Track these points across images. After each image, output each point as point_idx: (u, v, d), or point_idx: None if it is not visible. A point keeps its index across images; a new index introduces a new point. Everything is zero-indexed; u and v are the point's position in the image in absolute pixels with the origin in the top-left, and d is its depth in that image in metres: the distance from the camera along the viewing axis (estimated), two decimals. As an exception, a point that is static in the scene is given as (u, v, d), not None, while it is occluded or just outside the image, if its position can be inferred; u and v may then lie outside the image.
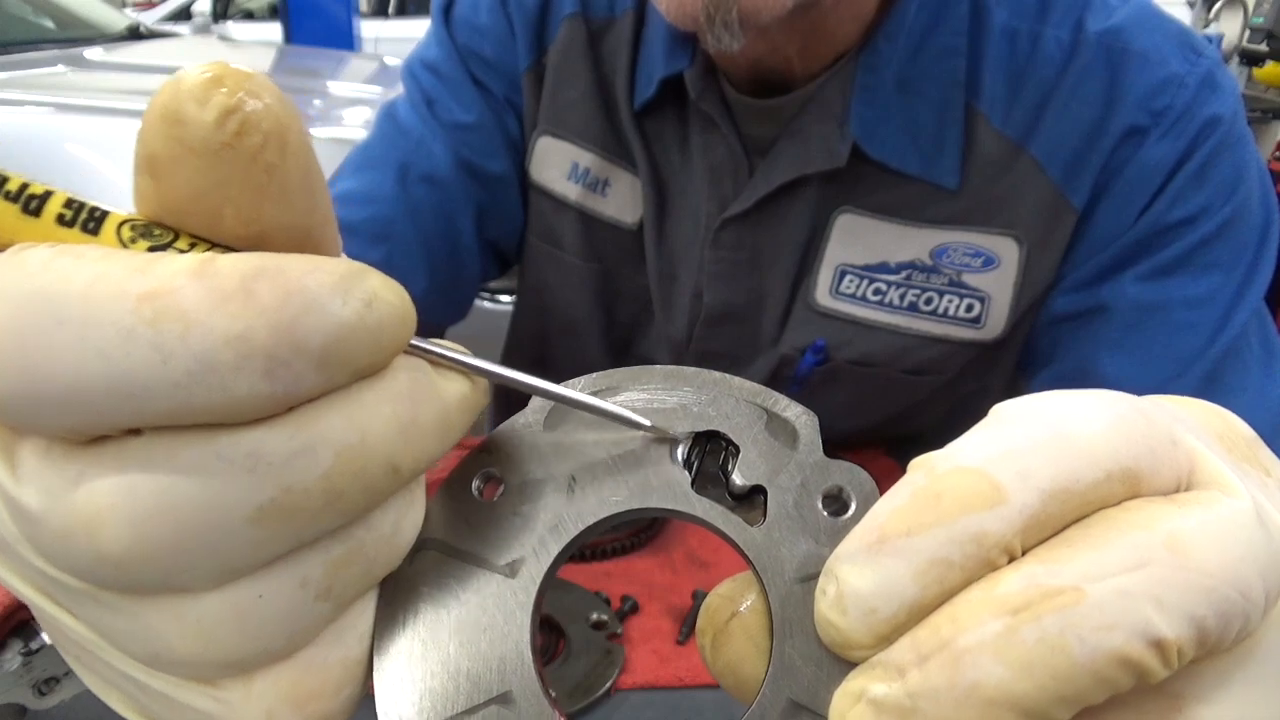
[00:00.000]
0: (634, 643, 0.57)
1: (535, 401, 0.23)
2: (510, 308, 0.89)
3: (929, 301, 0.68)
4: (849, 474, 0.22)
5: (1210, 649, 0.17)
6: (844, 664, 0.19)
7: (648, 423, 0.23)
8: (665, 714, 0.53)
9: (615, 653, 0.55)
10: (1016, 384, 0.75)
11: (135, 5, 6.29)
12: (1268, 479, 0.21)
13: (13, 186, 0.18)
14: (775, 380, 0.73)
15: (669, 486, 0.22)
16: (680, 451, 0.23)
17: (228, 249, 0.18)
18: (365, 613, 0.22)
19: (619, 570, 0.64)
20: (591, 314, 0.79)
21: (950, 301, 0.67)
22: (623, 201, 0.75)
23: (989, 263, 0.66)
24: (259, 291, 0.16)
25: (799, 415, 0.23)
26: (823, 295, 0.70)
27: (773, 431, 0.23)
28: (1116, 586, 0.17)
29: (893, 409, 0.73)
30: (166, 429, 0.17)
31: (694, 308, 0.74)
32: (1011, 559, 0.18)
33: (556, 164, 0.76)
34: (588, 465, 0.23)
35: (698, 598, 0.61)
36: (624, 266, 0.77)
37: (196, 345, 0.16)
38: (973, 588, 0.18)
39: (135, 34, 3.03)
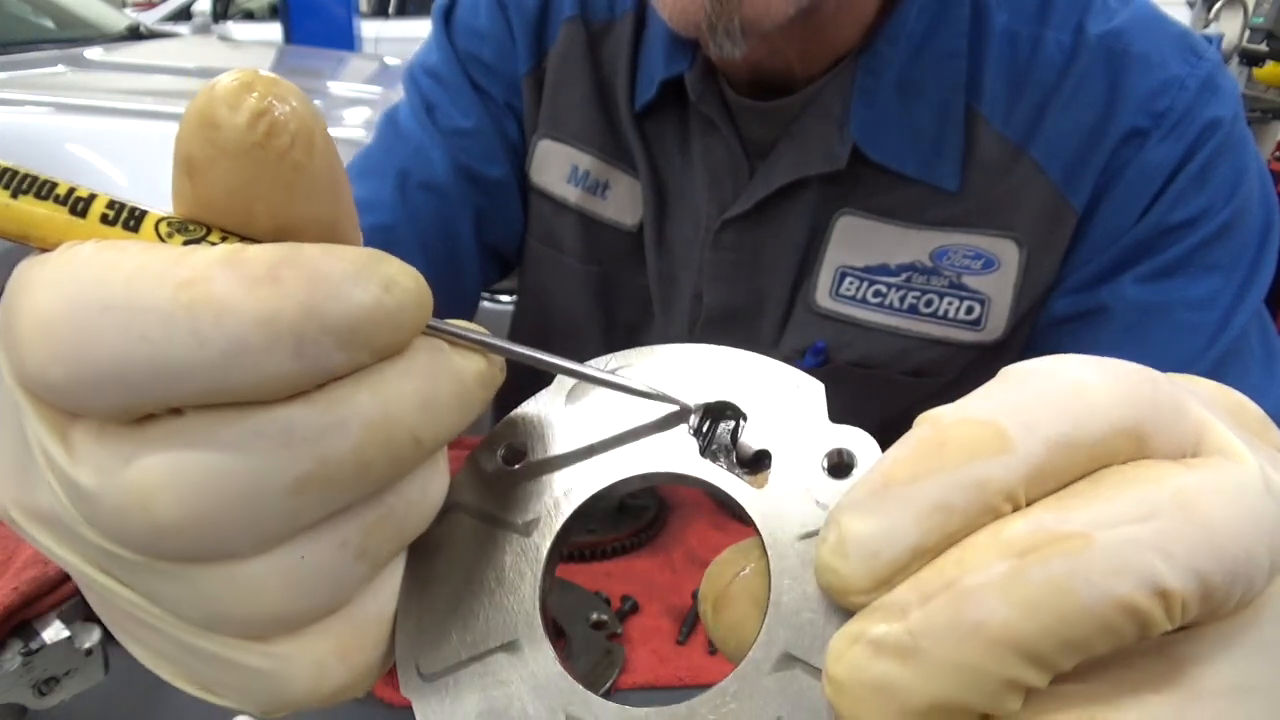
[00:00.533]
0: (634, 643, 0.57)
1: (557, 380, 0.25)
2: (511, 308, 0.89)
3: (929, 303, 0.68)
4: (854, 437, 0.22)
5: (1213, 610, 0.17)
6: (842, 614, 0.19)
7: (662, 393, 0.24)
8: (665, 714, 0.53)
9: (615, 653, 0.55)
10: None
11: (135, 5, 6.29)
12: (1277, 455, 0.20)
13: (61, 191, 0.20)
14: None
15: (678, 454, 0.24)
16: (691, 421, 0.24)
17: (257, 243, 0.19)
18: (398, 571, 0.23)
19: (619, 570, 0.64)
20: (591, 316, 0.79)
21: (950, 303, 0.67)
22: (622, 203, 0.75)
23: (989, 265, 0.66)
24: (285, 277, 0.18)
25: (805, 383, 0.24)
26: (823, 297, 0.70)
27: (779, 399, 0.23)
28: (1125, 535, 0.17)
29: (893, 411, 0.73)
30: (207, 408, 0.18)
31: (694, 309, 0.74)
32: (1016, 508, 0.18)
33: (556, 167, 0.76)
34: (603, 437, 0.24)
35: (698, 598, 0.61)
36: (624, 268, 0.77)
37: (229, 328, 0.17)
38: (979, 532, 0.18)
39: (135, 34, 3.03)
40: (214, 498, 0.18)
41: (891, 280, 0.68)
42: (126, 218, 0.19)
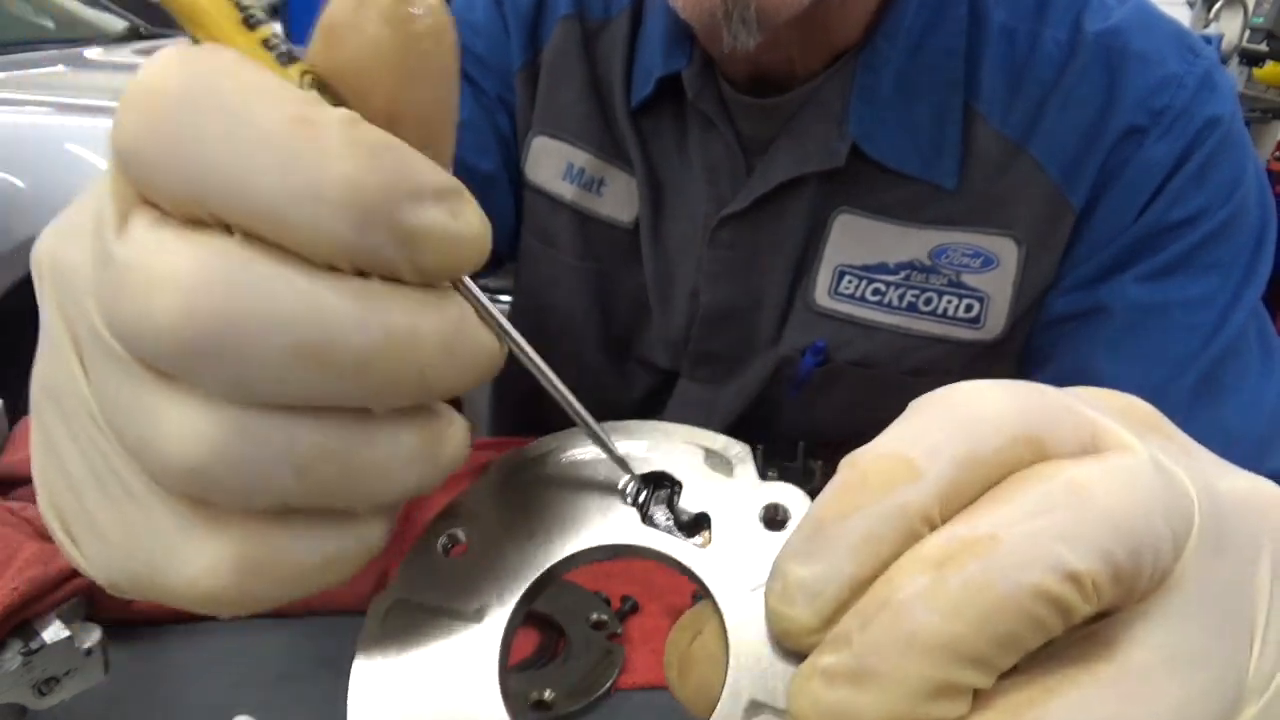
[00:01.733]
0: (634, 643, 0.57)
1: (493, 466, 0.26)
2: (508, 307, 0.89)
3: (928, 302, 0.68)
4: (785, 492, 0.24)
5: (1129, 589, 0.19)
6: (798, 656, 0.20)
7: (624, 459, 0.25)
8: (665, 714, 0.53)
9: (615, 653, 0.55)
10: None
11: (135, 5, 6.28)
12: (1169, 443, 0.22)
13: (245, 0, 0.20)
14: (775, 382, 0.73)
15: (621, 525, 0.24)
16: (630, 492, 0.25)
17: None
18: (322, 536, 0.21)
19: (619, 570, 0.64)
20: (588, 314, 0.79)
21: (949, 301, 0.67)
22: (618, 201, 0.75)
23: (988, 263, 0.66)
24: (384, 160, 0.19)
25: (733, 447, 0.25)
26: (822, 296, 0.70)
27: (711, 465, 0.25)
28: (1028, 529, 0.18)
29: (893, 411, 0.73)
30: (256, 240, 0.19)
31: (691, 307, 0.74)
32: (934, 527, 0.19)
33: (552, 164, 0.76)
34: (544, 515, 0.25)
35: (698, 598, 0.61)
36: (620, 266, 0.77)
37: (314, 174, 0.18)
38: (904, 555, 0.19)
39: (135, 34, 3.03)
40: (214, 318, 0.18)
41: (890, 279, 0.68)
42: (283, 52, 0.20)
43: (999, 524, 0.18)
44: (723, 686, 0.22)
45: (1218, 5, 3.32)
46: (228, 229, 0.19)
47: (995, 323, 0.67)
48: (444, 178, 0.20)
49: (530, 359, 0.23)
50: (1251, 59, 3.22)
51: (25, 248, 1.92)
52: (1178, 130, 0.63)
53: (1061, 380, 0.24)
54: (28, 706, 0.45)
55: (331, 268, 0.19)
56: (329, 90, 0.20)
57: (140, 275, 0.18)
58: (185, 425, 0.19)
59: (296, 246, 0.19)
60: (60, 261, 0.22)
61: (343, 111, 0.19)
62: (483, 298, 0.22)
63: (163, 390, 0.19)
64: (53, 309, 0.23)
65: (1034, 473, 0.19)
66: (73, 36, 2.83)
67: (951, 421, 0.20)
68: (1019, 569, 0.18)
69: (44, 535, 0.49)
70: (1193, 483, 0.20)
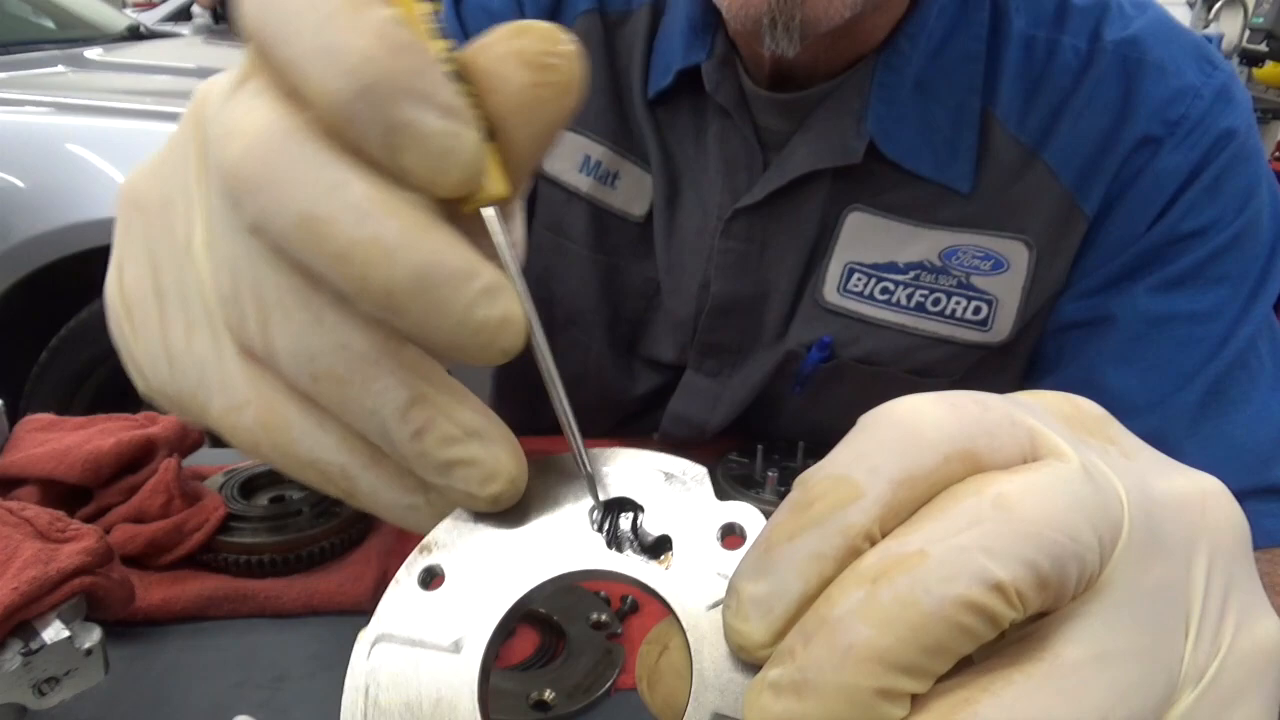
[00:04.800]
0: (634, 643, 0.57)
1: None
2: None
3: (936, 302, 0.68)
4: (741, 511, 0.25)
5: (1056, 594, 0.20)
6: (754, 669, 0.21)
7: (597, 485, 0.26)
8: (665, 714, 0.53)
9: (615, 653, 0.55)
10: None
11: (135, 5, 6.28)
12: (1110, 447, 0.23)
13: None
14: (779, 378, 0.73)
15: (587, 551, 0.25)
16: (595, 518, 0.26)
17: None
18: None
19: (619, 570, 0.64)
20: (597, 306, 0.80)
21: (958, 303, 0.68)
22: (630, 193, 0.75)
23: (998, 266, 0.67)
24: (405, 57, 0.21)
25: (691, 470, 0.26)
26: (830, 292, 0.70)
27: (671, 487, 0.26)
28: (954, 544, 0.19)
29: None
30: (324, 125, 0.22)
31: (701, 298, 0.74)
32: (873, 544, 0.20)
33: (568, 156, 0.77)
34: (514, 547, 0.26)
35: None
36: (630, 258, 0.78)
37: (339, 38, 0.21)
38: (843, 572, 0.20)
39: (135, 34, 3.03)
40: (254, 174, 0.22)
41: (900, 278, 0.68)
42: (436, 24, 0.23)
43: (929, 539, 0.19)
44: (688, 699, 0.23)
45: (1218, 5, 3.32)
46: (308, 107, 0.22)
47: (1003, 326, 0.68)
48: (456, 103, 0.22)
49: (541, 350, 0.24)
50: (1251, 59, 3.22)
51: (25, 248, 1.93)
52: (1193, 141, 0.63)
53: (1067, 389, 0.25)
54: (28, 706, 0.45)
55: (368, 169, 0.22)
56: (460, 65, 0.23)
57: (226, 124, 0.23)
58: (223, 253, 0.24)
59: (310, 100, 0.21)
60: (209, 93, 0.26)
61: (397, 11, 0.21)
62: (513, 267, 0.23)
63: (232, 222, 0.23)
64: (189, 129, 0.26)
65: (964, 488, 0.20)
66: (73, 36, 2.83)
67: (891, 440, 0.21)
68: (945, 582, 0.19)
69: (44, 535, 0.49)
70: (1126, 486, 0.21)
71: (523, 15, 0.76)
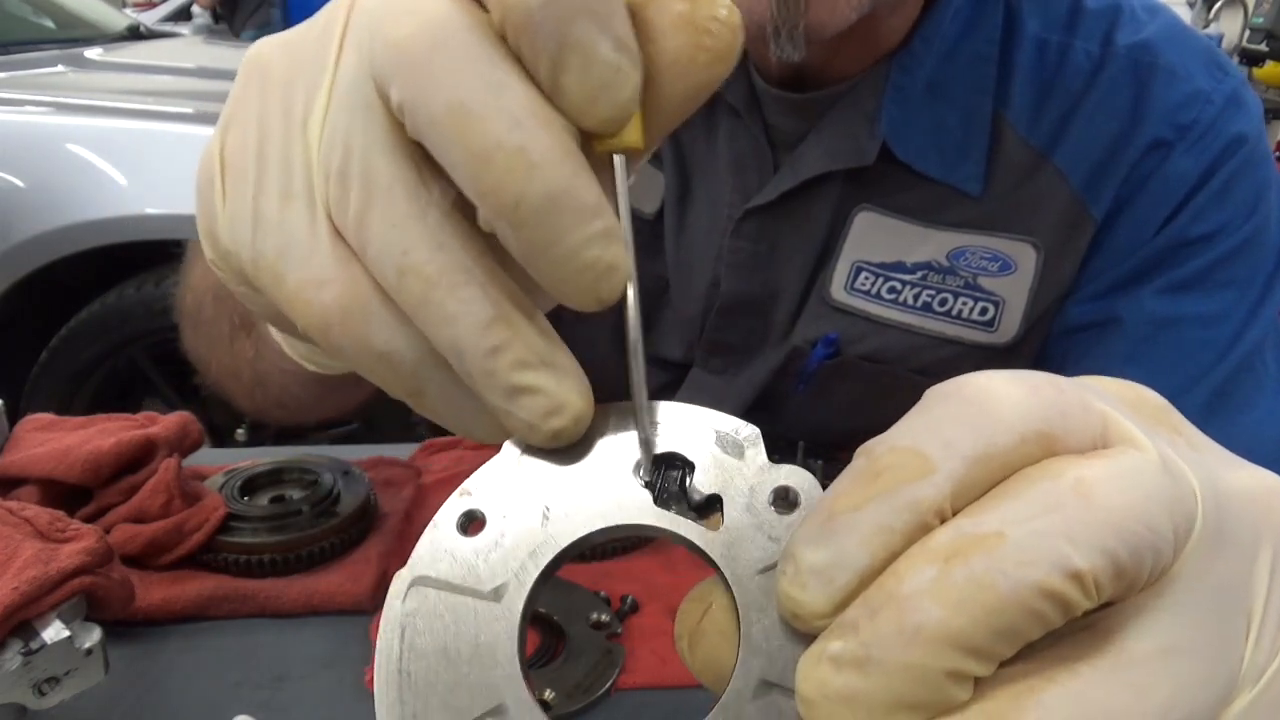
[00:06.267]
0: (634, 643, 0.57)
1: (507, 444, 0.26)
2: None
3: (943, 302, 0.68)
4: (794, 475, 0.24)
5: (1130, 583, 0.19)
6: (807, 638, 0.21)
7: (652, 443, 0.25)
8: (665, 714, 0.53)
9: (615, 653, 0.55)
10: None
11: (135, 5, 6.28)
12: (1177, 437, 0.23)
13: None
14: (783, 374, 0.74)
15: (634, 506, 0.25)
16: (642, 473, 0.25)
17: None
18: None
19: (619, 570, 0.64)
20: None
21: (964, 303, 0.68)
22: (642, 191, 0.77)
23: (1005, 267, 0.67)
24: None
25: (744, 430, 0.25)
26: (838, 290, 0.70)
27: (723, 447, 0.25)
28: (1033, 528, 0.19)
29: (899, 411, 0.74)
30: (502, 25, 0.22)
31: (710, 297, 0.75)
32: (944, 521, 0.20)
33: None
34: (559, 495, 0.25)
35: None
36: (640, 256, 0.77)
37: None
38: (913, 547, 0.20)
39: (135, 34, 3.03)
40: (422, 52, 0.22)
41: (907, 278, 0.69)
42: None
43: (1006, 521, 0.19)
44: (732, 662, 0.23)
45: (1218, 5, 3.32)
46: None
47: (1009, 327, 0.68)
48: (630, 39, 0.22)
49: (632, 307, 0.25)
50: (1251, 59, 3.22)
51: (25, 248, 1.92)
52: (1203, 145, 0.64)
53: None
54: (28, 706, 0.45)
55: (529, 79, 0.22)
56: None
57: (403, 2, 0.23)
58: (374, 138, 0.24)
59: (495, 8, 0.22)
60: None
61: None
62: (626, 219, 0.24)
63: (373, 111, 0.24)
64: (340, 8, 0.26)
65: (1042, 470, 0.20)
66: (73, 36, 2.83)
67: (966, 416, 0.20)
68: (1024, 566, 0.18)
69: (44, 535, 0.49)
70: (1198, 480, 0.21)
71: None
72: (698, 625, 0.24)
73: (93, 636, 0.46)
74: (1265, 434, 0.63)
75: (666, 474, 0.25)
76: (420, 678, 0.23)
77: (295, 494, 0.66)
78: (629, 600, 0.60)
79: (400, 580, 0.24)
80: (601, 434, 0.25)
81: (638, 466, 0.25)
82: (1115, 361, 0.66)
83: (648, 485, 0.25)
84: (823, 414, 0.74)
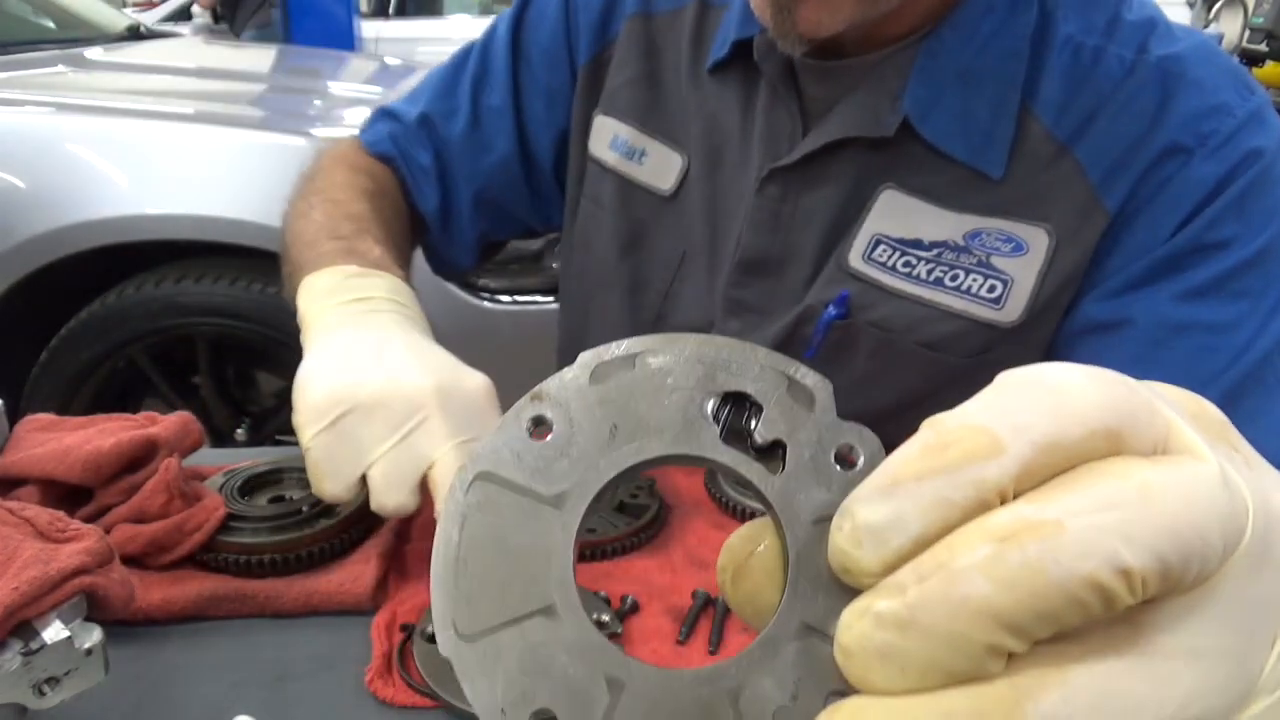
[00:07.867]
0: (634, 643, 0.57)
1: (583, 357, 0.26)
2: (510, 308, 0.93)
3: (955, 278, 0.71)
4: (859, 434, 0.25)
5: (1172, 585, 0.20)
6: (851, 591, 0.22)
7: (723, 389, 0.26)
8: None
9: (615, 653, 0.55)
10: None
11: (135, 5, 6.28)
12: (1235, 454, 0.23)
13: None
14: (793, 339, 0.77)
15: (699, 438, 0.25)
16: (710, 408, 0.25)
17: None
18: None
19: (619, 570, 0.64)
20: (617, 266, 0.87)
21: (975, 280, 0.71)
22: (657, 169, 0.84)
23: (1018, 248, 0.70)
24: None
25: (816, 381, 0.26)
26: (855, 258, 0.74)
27: (793, 395, 0.25)
28: (1092, 522, 0.19)
29: (905, 389, 0.76)
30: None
31: (734, 260, 0.79)
32: (1005, 502, 0.20)
33: (602, 136, 0.87)
34: (626, 417, 0.25)
35: (698, 598, 0.61)
36: (653, 230, 0.85)
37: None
38: (970, 523, 0.20)
39: (135, 34, 3.03)
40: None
41: (923, 254, 0.72)
42: None
43: (1067, 511, 0.20)
44: (771, 601, 0.24)
45: (1218, 5, 3.32)
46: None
47: (1015, 306, 0.70)
48: None
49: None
50: (1251, 59, 3.22)
51: (25, 248, 1.92)
52: (1222, 155, 0.65)
53: None
54: (28, 706, 0.45)
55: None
56: None
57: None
58: None
59: None
60: None
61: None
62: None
63: None
64: None
65: (1108, 467, 0.20)
66: (73, 36, 2.83)
67: (1040, 403, 0.21)
68: (1077, 557, 0.19)
69: (44, 535, 0.49)
70: (1252, 497, 0.21)
71: (574, 24, 0.88)
72: (745, 562, 0.25)
73: (93, 636, 0.46)
74: (1272, 446, 0.63)
75: (735, 412, 0.25)
76: (476, 568, 0.24)
77: (295, 494, 0.66)
78: (629, 600, 0.60)
79: (465, 470, 0.25)
80: (674, 363, 0.26)
81: (707, 398, 0.25)
82: (1125, 363, 0.66)
83: (715, 420, 0.25)
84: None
